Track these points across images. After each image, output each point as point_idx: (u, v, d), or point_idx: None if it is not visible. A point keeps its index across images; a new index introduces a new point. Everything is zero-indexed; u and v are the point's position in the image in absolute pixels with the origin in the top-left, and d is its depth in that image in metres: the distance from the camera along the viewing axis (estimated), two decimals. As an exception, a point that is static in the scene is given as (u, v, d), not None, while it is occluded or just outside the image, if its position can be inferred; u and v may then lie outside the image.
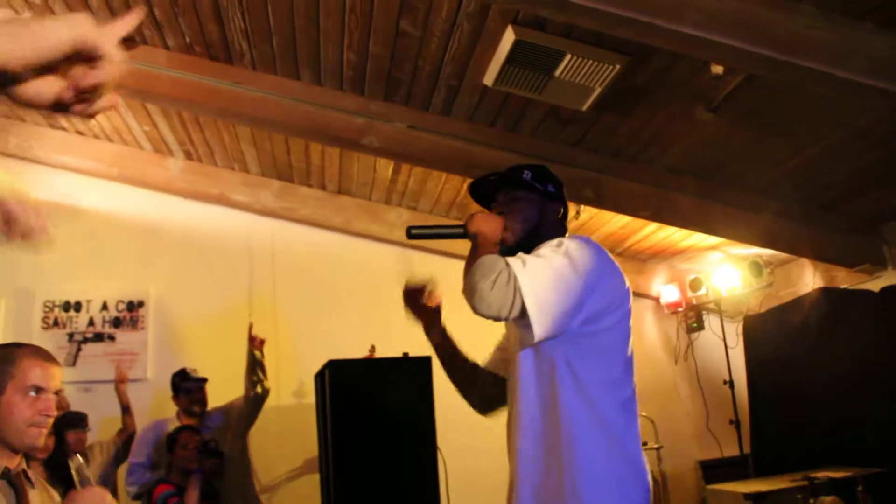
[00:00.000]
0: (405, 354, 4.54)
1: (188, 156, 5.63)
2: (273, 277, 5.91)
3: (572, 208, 5.42)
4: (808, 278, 5.61)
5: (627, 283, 2.17)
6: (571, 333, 2.01)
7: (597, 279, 2.03)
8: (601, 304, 2.04)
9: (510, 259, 2.01)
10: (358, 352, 5.03)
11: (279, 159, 5.47)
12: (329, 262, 6.06)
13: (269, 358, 4.90)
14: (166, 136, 5.30)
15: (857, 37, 3.07)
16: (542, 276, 1.96)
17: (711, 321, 6.51)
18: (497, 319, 2.03)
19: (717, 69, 3.40)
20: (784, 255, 5.67)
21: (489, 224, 2.26)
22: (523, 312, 1.94)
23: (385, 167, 5.31)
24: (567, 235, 2.20)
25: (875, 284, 4.93)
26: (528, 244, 2.20)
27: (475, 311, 2.02)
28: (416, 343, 4.82)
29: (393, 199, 5.93)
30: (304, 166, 5.53)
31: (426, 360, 4.40)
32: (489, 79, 3.79)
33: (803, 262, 5.62)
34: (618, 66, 3.55)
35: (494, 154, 4.46)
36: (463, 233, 2.28)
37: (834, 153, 4.16)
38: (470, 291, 2.01)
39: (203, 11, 3.81)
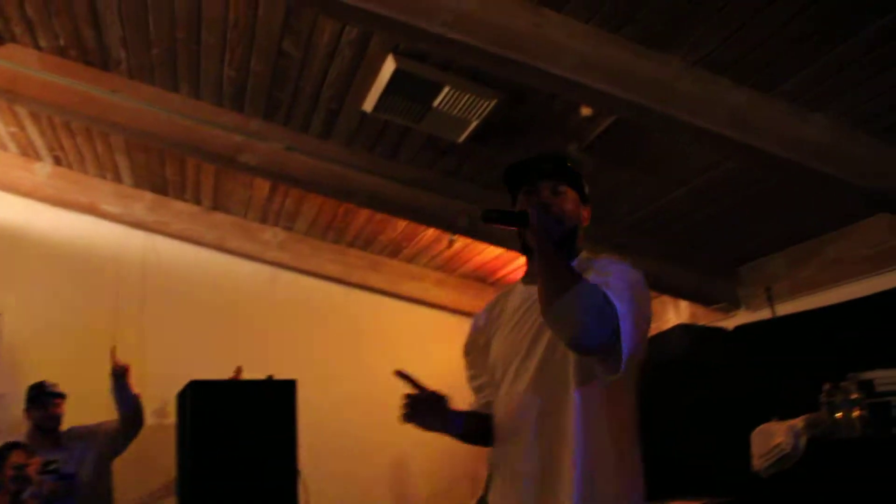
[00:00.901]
0: (269, 377, 4.49)
1: (57, 161, 5.42)
2: (142, 292, 5.74)
3: (445, 238, 5.49)
4: (671, 315, 5.81)
5: None
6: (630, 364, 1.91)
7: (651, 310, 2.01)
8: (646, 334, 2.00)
9: (601, 287, 1.87)
10: (226, 372, 4.94)
11: (154, 171, 5.34)
12: (201, 280, 5.94)
13: (135, 376, 4.75)
14: (34, 139, 5.09)
15: (717, 90, 3.23)
16: (633, 308, 1.87)
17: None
18: (592, 353, 1.90)
19: (586, 111, 3.53)
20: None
21: (548, 219, 2.04)
22: (610, 346, 1.82)
23: (262, 186, 5.24)
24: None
25: (730, 322, 5.16)
26: (562, 246, 2.05)
27: (574, 345, 1.89)
28: (282, 365, 4.81)
29: (269, 219, 5.85)
30: (180, 180, 5.41)
31: (290, 384, 4.36)
32: (369, 105, 3.81)
33: (666, 299, 5.82)
34: (494, 101, 3.62)
35: (372, 180, 4.48)
36: (525, 222, 2.03)
37: (697, 196, 4.35)
38: (572, 325, 1.84)
39: (79, 14, 3.69)
